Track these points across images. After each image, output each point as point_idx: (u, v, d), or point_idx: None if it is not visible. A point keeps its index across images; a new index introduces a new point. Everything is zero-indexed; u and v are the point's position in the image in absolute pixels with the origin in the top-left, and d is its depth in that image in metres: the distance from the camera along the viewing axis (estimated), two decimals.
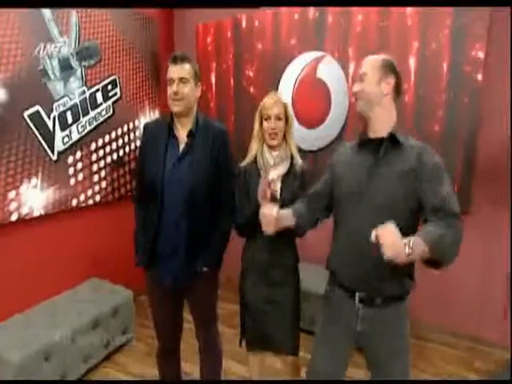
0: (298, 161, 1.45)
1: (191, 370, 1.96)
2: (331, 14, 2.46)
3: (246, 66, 2.82)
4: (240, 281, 1.57)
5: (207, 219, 1.37)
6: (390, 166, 1.10)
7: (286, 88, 2.69)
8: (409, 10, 2.24)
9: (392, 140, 1.12)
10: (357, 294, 1.15)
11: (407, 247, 0.91)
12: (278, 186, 1.40)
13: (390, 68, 1.16)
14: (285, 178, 1.42)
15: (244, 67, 2.83)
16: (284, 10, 2.61)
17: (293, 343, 1.48)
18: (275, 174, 1.40)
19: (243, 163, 1.50)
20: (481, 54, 2.08)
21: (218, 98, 2.99)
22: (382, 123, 1.14)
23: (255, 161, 1.46)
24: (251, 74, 2.81)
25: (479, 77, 2.10)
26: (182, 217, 1.31)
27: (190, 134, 1.34)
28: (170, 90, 1.28)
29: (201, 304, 1.50)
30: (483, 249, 2.23)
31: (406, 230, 0.97)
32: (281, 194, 1.40)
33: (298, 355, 1.51)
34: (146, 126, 1.44)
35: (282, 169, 1.42)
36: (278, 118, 1.40)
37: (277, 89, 2.71)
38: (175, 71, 1.28)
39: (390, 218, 0.95)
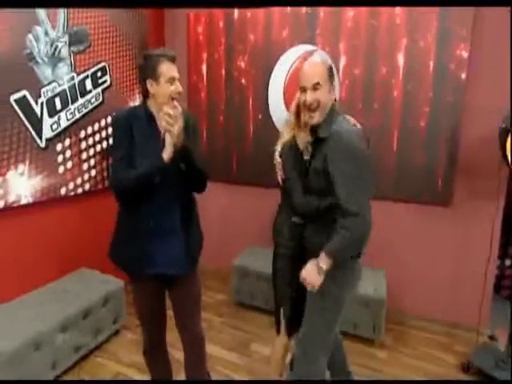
0: None
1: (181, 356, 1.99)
2: (323, 8, 2.50)
3: (238, 56, 2.82)
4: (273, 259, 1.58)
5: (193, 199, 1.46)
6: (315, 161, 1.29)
7: (278, 80, 2.71)
8: (397, 9, 2.31)
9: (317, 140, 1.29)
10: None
11: (320, 273, 1.21)
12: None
13: (332, 73, 1.29)
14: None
15: (236, 58, 2.83)
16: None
17: None
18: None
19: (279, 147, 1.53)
20: (465, 54, 2.18)
21: (208, 89, 2.98)
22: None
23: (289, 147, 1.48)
24: (243, 65, 2.82)
25: (463, 75, 2.20)
26: (174, 202, 1.36)
27: None
28: (173, 88, 1.27)
29: (191, 296, 1.50)
30: (463, 237, 2.36)
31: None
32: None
33: None
34: (118, 118, 1.37)
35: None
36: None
37: (268, 80, 2.73)
38: (175, 71, 1.30)
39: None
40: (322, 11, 2.50)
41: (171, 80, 1.28)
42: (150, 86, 1.28)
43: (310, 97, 1.23)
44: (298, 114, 1.47)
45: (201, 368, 1.58)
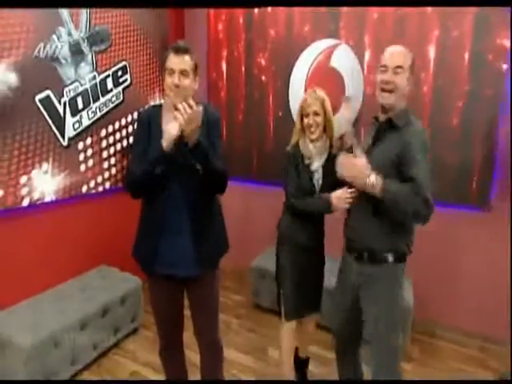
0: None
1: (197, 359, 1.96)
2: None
3: (258, 53, 2.76)
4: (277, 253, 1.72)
5: (207, 200, 1.39)
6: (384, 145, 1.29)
7: (299, 76, 2.63)
8: None
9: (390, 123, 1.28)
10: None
11: (372, 178, 1.15)
12: (320, 173, 1.58)
13: (414, 64, 1.28)
14: (325, 165, 1.58)
15: (256, 55, 2.77)
16: None
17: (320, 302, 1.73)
18: (317, 163, 1.58)
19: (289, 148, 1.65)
20: (506, 42, 1.99)
21: (228, 87, 2.94)
22: (395, 110, 1.28)
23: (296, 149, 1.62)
24: (263, 62, 2.75)
25: (504, 66, 2.02)
26: (186, 201, 1.31)
27: None
28: (170, 80, 1.24)
29: (206, 299, 1.46)
30: (500, 247, 2.17)
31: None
32: (322, 181, 1.58)
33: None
34: (139, 116, 1.40)
35: (322, 159, 1.58)
36: (316, 114, 1.53)
37: (289, 77, 2.65)
38: (177, 63, 1.24)
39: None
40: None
41: (171, 72, 1.24)
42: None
43: (389, 77, 1.23)
44: (302, 117, 1.58)
45: (217, 375, 1.54)
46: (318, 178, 1.58)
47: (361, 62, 2.41)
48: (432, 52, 2.20)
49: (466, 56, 2.11)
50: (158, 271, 1.36)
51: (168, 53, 1.26)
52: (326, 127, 1.58)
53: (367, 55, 2.39)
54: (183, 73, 1.24)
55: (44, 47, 1.93)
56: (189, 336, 1.54)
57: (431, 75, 2.22)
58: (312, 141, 1.56)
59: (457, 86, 2.16)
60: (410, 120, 1.27)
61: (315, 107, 1.53)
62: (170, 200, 1.30)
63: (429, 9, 2.17)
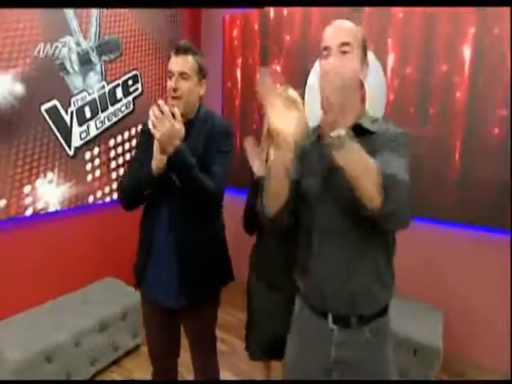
0: None
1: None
2: None
3: (273, 60, 2.63)
4: (247, 284, 1.48)
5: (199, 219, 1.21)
6: None
7: (316, 83, 2.45)
8: None
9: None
10: (329, 315, 0.92)
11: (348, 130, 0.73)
12: None
13: (365, 44, 0.94)
14: None
15: (271, 61, 2.64)
16: None
17: None
18: None
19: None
20: None
21: (242, 95, 2.83)
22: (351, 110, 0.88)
23: None
24: (278, 68, 2.61)
25: None
26: (170, 222, 1.19)
27: (187, 127, 1.15)
28: (169, 84, 1.13)
29: (199, 328, 1.33)
30: None
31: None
32: None
33: None
34: (144, 125, 1.30)
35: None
36: None
37: (305, 84, 2.48)
38: (176, 63, 1.13)
39: None
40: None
41: (170, 74, 1.13)
42: None
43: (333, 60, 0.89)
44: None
45: None
46: None
47: (383, 67, 2.19)
48: (467, 53, 1.94)
49: (509, 56, 1.83)
50: (147, 295, 1.27)
51: (170, 54, 1.16)
52: None
53: (391, 59, 2.16)
54: (182, 75, 1.12)
55: (52, 57, 1.93)
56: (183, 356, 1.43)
57: (466, 79, 1.95)
58: None
59: (497, 90, 1.87)
60: (383, 123, 0.95)
61: None
62: (158, 222, 1.19)
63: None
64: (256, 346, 1.45)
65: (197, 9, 2.94)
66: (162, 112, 1.01)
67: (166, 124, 1.00)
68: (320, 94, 0.78)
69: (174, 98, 1.14)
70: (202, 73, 1.19)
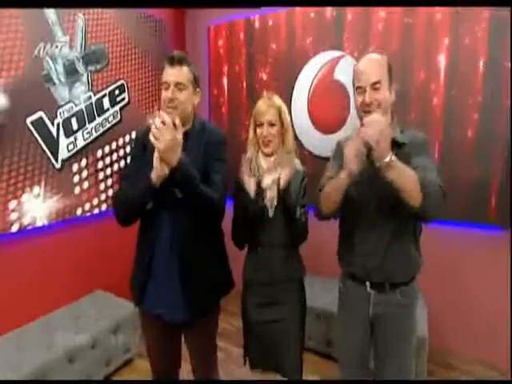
0: (298, 167, 1.34)
1: None
2: (351, 10, 2.28)
3: (260, 68, 2.68)
4: (241, 298, 1.45)
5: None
6: None
7: (302, 91, 2.52)
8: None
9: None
10: (367, 283, 1.21)
11: (391, 154, 0.99)
12: (274, 191, 1.26)
13: (391, 70, 1.15)
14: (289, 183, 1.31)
15: (257, 69, 2.69)
16: (299, 8, 2.45)
17: (296, 367, 1.37)
18: (269, 179, 1.27)
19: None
20: None
21: (230, 103, 2.86)
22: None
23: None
24: (264, 76, 2.66)
25: None
26: (172, 235, 1.17)
27: (185, 138, 1.14)
28: (165, 95, 1.13)
29: (200, 342, 1.33)
30: None
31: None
32: (284, 199, 1.27)
33: (301, 378, 1.40)
34: (136, 135, 1.29)
35: (280, 174, 1.27)
36: (271, 124, 1.30)
37: (292, 91, 2.55)
38: (171, 74, 1.13)
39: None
40: (350, 13, 2.29)
41: (166, 85, 1.13)
42: None
43: (369, 97, 1.10)
44: (255, 129, 1.34)
45: None
46: (271, 197, 1.26)
47: None
48: (443, 61, 2.06)
49: (481, 64, 1.95)
50: (147, 310, 1.25)
51: (163, 65, 1.15)
52: (284, 140, 1.33)
53: None
54: (178, 86, 1.12)
55: (37, 67, 1.89)
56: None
57: (442, 86, 2.07)
58: (266, 155, 1.33)
59: (471, 96, 2.00)
60: (409, 132, 1.20)
61: (270, 116, 1.29)
62: (158, 238, 1.17)
63: (438, 15, 2.04)
64: (254, 356, 1.43)
65: (183, 16, 2.96)
66: (163, 123, 1.00)
67: (167, 135, 0.99)
68: (364, 135, 0.99)
69: (169, 107, 1.13)
70: (196, 82, 1.20)
